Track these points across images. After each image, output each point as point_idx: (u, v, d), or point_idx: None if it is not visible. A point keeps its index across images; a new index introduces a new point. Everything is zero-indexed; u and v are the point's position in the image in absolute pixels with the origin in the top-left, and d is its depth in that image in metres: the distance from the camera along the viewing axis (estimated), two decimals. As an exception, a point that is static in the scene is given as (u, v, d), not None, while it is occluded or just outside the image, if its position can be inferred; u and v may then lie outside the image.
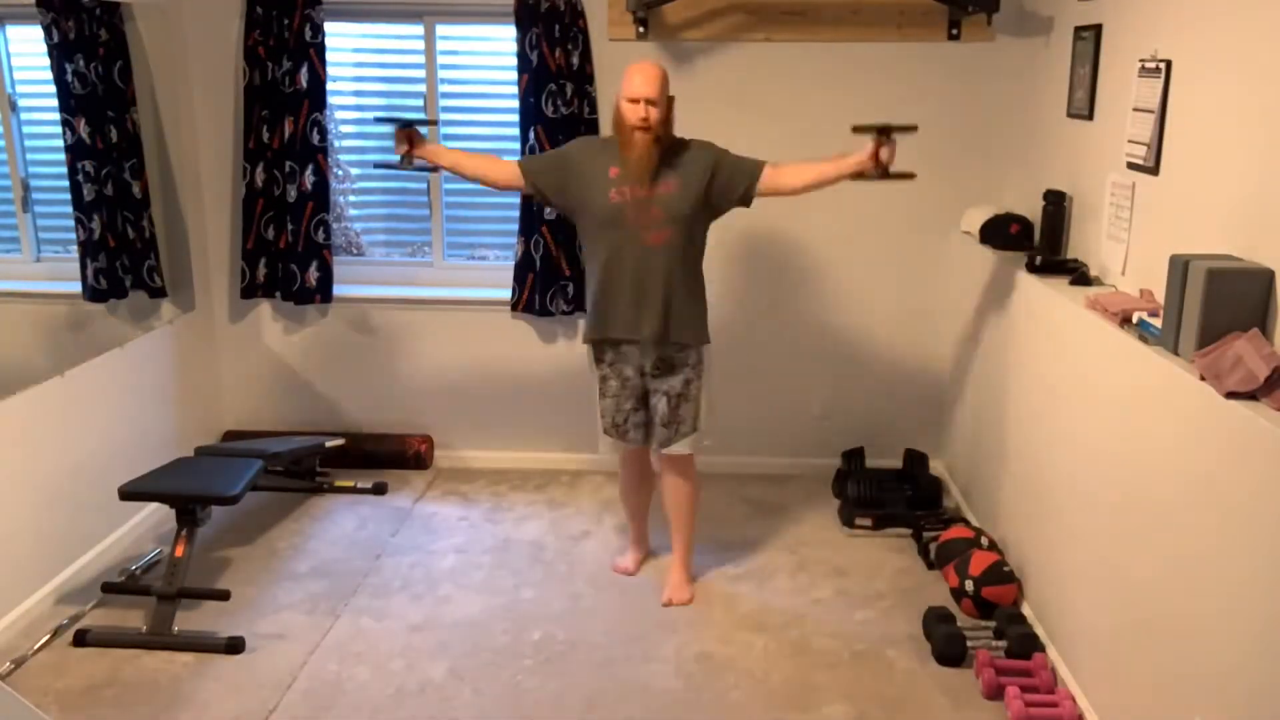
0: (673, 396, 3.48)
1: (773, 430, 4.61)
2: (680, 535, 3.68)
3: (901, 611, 3.52)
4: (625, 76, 3.35)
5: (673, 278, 3.41)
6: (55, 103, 3.73)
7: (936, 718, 2.99)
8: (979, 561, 3.49)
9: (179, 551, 3.41)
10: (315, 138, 4.40)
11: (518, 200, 4.41)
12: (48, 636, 3.32)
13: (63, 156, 3.79)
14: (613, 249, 3.42)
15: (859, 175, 3.33)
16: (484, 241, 4.74)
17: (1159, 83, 2.88)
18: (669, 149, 3.38)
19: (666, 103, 3.36)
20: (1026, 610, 3.41)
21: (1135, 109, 3.05)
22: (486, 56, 4.51)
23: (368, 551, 3.95)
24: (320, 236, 4.49)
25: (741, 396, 4.53)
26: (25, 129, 3.74)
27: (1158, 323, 2.57)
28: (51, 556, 3.57)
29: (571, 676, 3.18)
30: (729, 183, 3.41)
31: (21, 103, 3.69)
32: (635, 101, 3.29)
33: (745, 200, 3.45)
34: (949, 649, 3.21)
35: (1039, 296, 3.38)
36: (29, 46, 3.66)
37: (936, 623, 3.30)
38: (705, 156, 3.42)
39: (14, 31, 3.65)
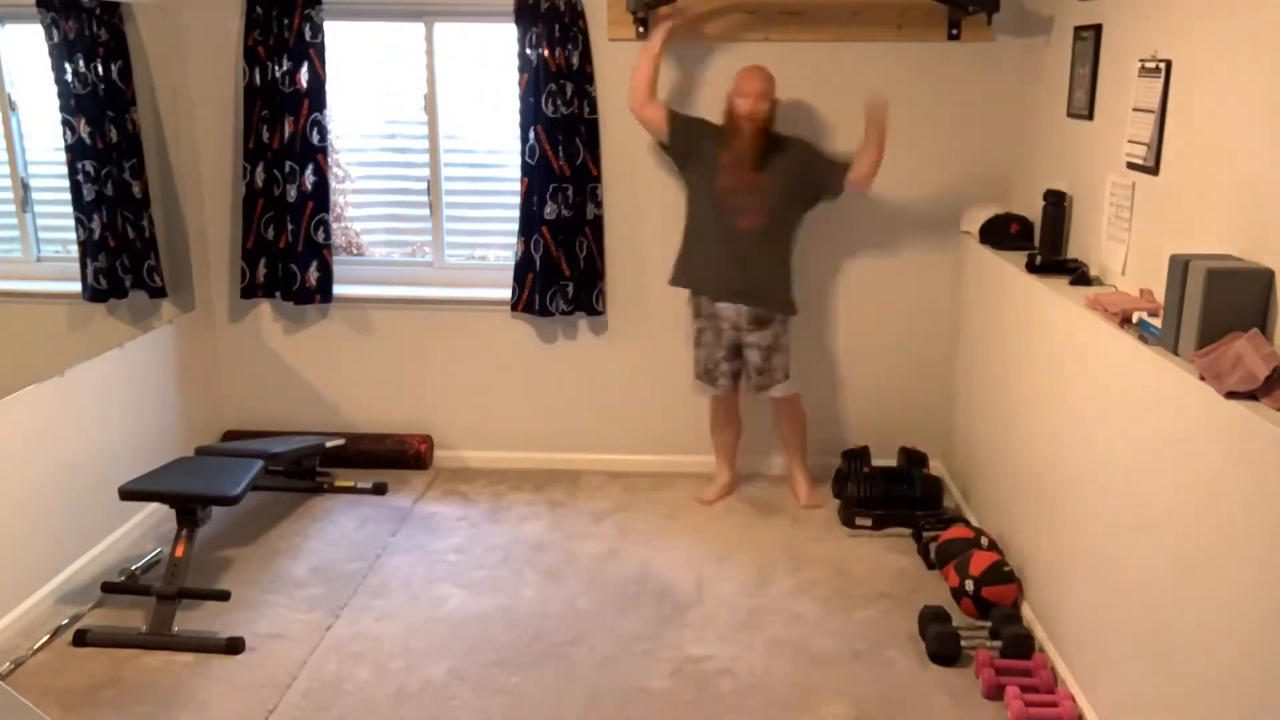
0: (764, 348, 4.12)
1: (773, 430, 4.61)
2: (797, 455, 4.40)
3: (901, 611, 3.52)
4: (737, 76, 3.98)
5: (760, 261, 4.06)
6: (55, 103, 3.73)
7: (936, 718, 2.99)
8: (979, 561, 3.49)
9: (179, 551, 3.41)
10: (315, 138, 4.40)
11: (518, 200, 4.42)
12: (48, 636, 3.32)
13: (63, 156, 3.78)
14: (711, 226, 4.06)
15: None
16: (484, 241, 4.74)
17: (1159, 83, 2.88)
18: (771, 144, 3.99)
19: (771, 102, 3.97)
20: (1027, 610, 3.41)
21: (1135, 109, 3.05)
22: (486, 56, 4.51)
23: (368, 551, 3.95)
24: (320, 236, 4.49)
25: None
26: (25, 129, 3.73)
27: (1158, 323, 2.57)
28: (51, 556, 3.57)
29: (571, 676, 3.18)
30: (828, 174, 4.06)
31: (21, 103, 3.69)
32: (745, 97, 3.92)
33: (834, 194, 4.11)
34: (941, 648, 3.21)
35: (1039, 296, 3.38)
36: (29, 46, 3.66)
37: (930, 621, 3.30)
38: (800, 154, 4.06)
39: (14, 31, 3.65)
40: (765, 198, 4.00)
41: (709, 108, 4.31)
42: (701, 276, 4.14)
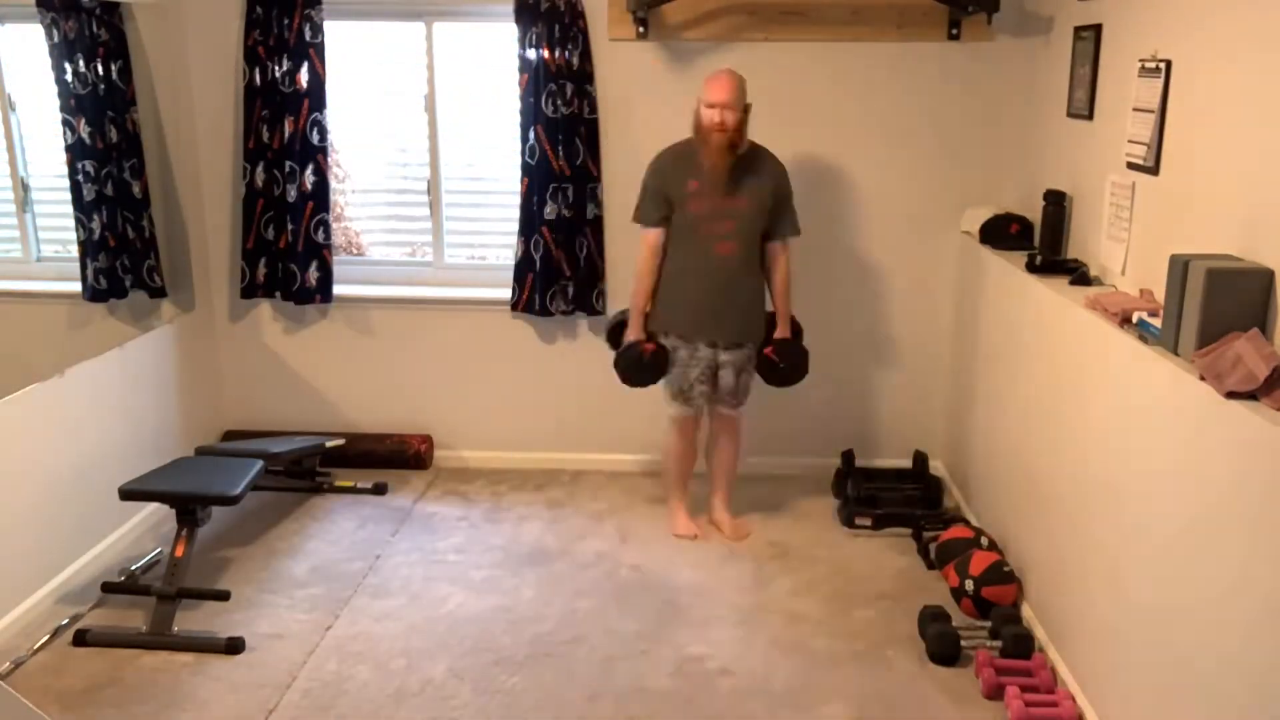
0: (738, 368, 3.93)
1: (773, 430, 4.61)
2: (726, 482, 4.14)
3: (901, 611, 3.52)
4: (705, 84, 3.70)
5: (739, 287, 3.84)
6: (55, 103, 3.73)
7: (936, 717, 2.99)
8: (979, 561, 3.49)
9: (179, 551, 3.41)
10: (315, 138, 4.40)
11: (518, 200, 4.42)
12: (48, 636, 3.32)
13: (63, 156, 3.79)
14: (688, 257, 3.82)
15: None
16: (484, 241, 4.74)
17: (1159, 83, 2.88)
18: (745, 156, 3.75)
19: (743, 109, 3.69)
20: (1027, 610, 3.41)
21: (1135, 109, 3.05)
22: (486, 56, 4.51)
23: (368, 551, 3.95)
24: (320, 236, 4.49)
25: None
26: (25, 129, 3.73)
27: (1158, 323, 2.57)
28: (51, 556, 3.57)
29: (571, 676, 3.18)
30: (776, 220, 3.86)
31: (21, 103, 3.69)
32: (712, 107, 3.63)
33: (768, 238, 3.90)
34: (941, 648, 3.21)
35: (1039, 296, 3.38)
36: (29, 46, 3.66)
37: (930, 621, 3.30)
38: (777, 180, 3.84)
39: (14, 31, 3.65)
40: (739, 221, 3.76)
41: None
42: (683, 320, 3.86)
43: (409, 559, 3.90)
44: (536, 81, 4.26)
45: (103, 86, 3.89)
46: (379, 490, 4.46)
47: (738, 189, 3.75)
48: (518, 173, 4.40)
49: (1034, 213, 3.89)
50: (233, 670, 3.18)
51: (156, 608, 3.33)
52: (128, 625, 3.38)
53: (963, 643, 3.24)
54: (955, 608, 3.51)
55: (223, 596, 3.48)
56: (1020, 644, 3.18)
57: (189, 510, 3.46)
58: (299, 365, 4.74)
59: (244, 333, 4.72)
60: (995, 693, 3.03)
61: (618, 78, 4.34)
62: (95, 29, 3.85)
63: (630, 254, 4.49)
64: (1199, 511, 2.27)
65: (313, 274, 4.51)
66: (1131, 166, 3.08)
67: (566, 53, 4.24)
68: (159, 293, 4.26)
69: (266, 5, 4.28)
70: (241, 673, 3.17)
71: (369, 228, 4.78)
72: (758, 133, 4.32)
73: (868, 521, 4.13)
